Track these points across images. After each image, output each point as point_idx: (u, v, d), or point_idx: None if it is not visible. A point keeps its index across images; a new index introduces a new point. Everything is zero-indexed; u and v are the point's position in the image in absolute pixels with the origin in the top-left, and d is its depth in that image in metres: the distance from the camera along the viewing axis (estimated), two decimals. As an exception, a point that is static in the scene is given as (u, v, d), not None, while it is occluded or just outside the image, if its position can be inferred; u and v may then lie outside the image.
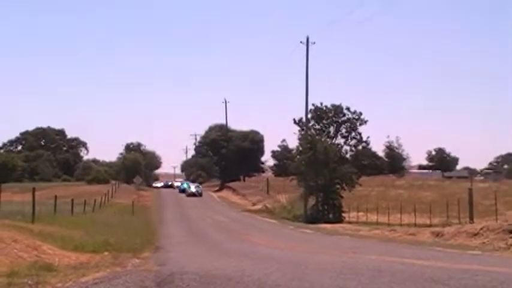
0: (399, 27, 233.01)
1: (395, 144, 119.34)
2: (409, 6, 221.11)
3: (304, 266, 13.43)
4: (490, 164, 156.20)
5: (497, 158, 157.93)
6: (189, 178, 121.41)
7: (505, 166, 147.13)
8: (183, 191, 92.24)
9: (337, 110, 74.35)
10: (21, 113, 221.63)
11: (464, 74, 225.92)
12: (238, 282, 9.44)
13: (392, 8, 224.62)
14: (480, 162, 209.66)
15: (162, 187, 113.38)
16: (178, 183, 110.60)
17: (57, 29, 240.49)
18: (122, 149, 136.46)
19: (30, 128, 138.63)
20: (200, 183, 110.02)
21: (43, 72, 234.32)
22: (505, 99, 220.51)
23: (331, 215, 50.64)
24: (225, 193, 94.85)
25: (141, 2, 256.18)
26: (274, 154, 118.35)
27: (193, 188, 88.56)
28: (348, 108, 76.04)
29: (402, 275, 11.36)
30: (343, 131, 73.36)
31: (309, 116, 62.36)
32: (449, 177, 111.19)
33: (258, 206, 67.66)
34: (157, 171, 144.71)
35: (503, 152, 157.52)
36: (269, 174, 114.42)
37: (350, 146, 72.90)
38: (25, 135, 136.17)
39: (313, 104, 68.22)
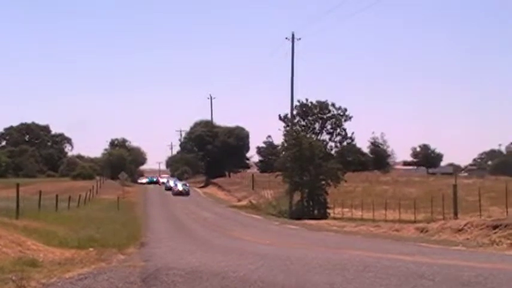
0: (384, 23, 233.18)
1: (380, 141, 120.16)
2: (395, 1, 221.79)
3: (289, 262, 13.44)
4: (474, 160, 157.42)
5: (481, 154, 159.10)
6: (174, 174, 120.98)
7: (489, 162, 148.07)
8: (169, 189, 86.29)
9: (322, 106, 74.56)
10: (5, 108, 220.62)
11: (449, 71, 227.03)
12: (224, 278, 9.43)
13: (377, 4, 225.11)
14: (464, 159, 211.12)
15: (147, 183, 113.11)
16: (164, 180, 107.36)
17: (40, 24, 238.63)
18: (106, 145, 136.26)
19: (15, 123, 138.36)
20: (185, 179, 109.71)
21: (28, 68, 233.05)
22: (489, 96, 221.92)
23: (316, 211, 50.85)
24: (210, 189, 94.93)
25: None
26: (260, 150, 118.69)
27: (180, 186, 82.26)
28: (333, 105, 76.34)
29: (387, 271, 11.39)
30: (328, 127, 73.59)
31: (294, 112, 62.60)
32: (434, 174, 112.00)
33: (243, 202, 67.84)
34: (143, 167, 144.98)
35: (487, 149, 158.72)
36: (254, 170, 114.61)
37: (335, 142, 73.25)
38: (9, 130, 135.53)
39: (298, 100, 68.52)
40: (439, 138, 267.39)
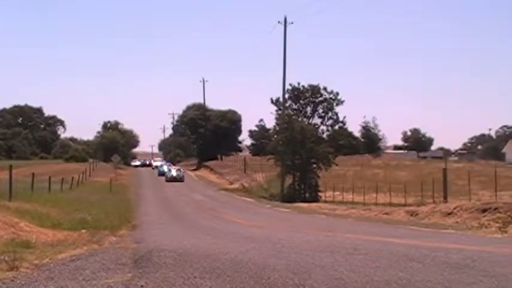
0: (376, 8, 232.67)
1: (372, 125, 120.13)
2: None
3: (280, 245, 13.47)
4: (464, 144, 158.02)
5: (471, 138, 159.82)
6: (167, 157, 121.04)
7: (479, 147, 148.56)
8: (162, 174, 79.34)
9: (314, 90, 74.66)
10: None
11: (440, 56, 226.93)
12: (215, 259, 9.44)
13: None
14: (454, 143, 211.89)
15: (139, 166, 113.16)
16: (158, 163, 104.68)
17: (38, 8, 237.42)
18: (99, 128, 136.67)
19: (8, 105, 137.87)
20: (178, 162, 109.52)
21: (21, 50, 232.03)
22: (479, 81, 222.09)
23: (307, 194, 50.83)
24: (202, 172, 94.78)
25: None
26: (252, 134, 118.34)
27: (174, 172, 76.08)
28: (325, 89, 76.49)
29: (377, 253, 11.43)
30: (320, 111, 73.84)
31: (286, 96, 62.56)
32: (424, 158, 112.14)
33: (235, 185, 67.79)
34: (135, 150, 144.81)
35: (477, 133, 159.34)
36: (246, 153, 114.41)
37: (327, 126, 73.58)
38: (2, 112, 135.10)
39: (290, 84, 68.71)
40: (429, 122, 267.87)
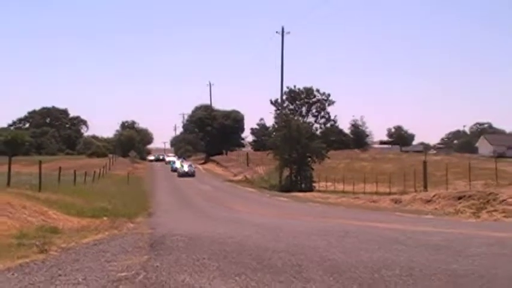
0: (364, 17, 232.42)
1: (360, 123, 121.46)
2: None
3: (279, 230, 13.46)
4: (442, 139, 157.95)
5: (448, 134, 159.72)
6: (178, 152, 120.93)
7: (455, 142, 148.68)
8: (174, 170, 74.24)
9: (309, 92, 74.69)
10: (29, 93, 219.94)
11: (420, 60, 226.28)
12: (222, 243, 9.45)
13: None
14: (433, 138, 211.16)
15: (154, 160, 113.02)
16: (170, 158, 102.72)
17: (62, 17, 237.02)
18: (118, 127, 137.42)
19: (37, 107, 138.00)
20: (188, 156, 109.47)
21: (50, 57, 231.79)
22: (455, 81, 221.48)
23: (303, 185, 50.94)
24: (209, 165, 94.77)
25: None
26: (253, 131, 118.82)
27: (185, 168, 71.11)
28: (318, 90, 76.46)
29: (366, 237, 11.43)
30: (314, 110, 73.88)
31: (284, 97, 62.36)
32: (407, 151, 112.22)
33: (239, 177, 67.82)
34: (150, 146, 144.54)
35: (453, 129, 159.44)
36: (248, 149, 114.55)
37: (320, 124, 73.57)
38: (32, 114, 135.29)
39: (287, 87, 68.67)
40: (411, 120, 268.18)
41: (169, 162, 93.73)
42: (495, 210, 21.84)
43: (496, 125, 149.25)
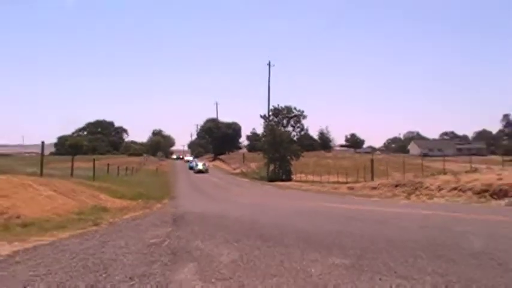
0: (336, 47, 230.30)
1: (325, 131, 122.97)
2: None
3: (266, 208, 13.51)
4: (384, 143, 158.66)
5: (388, 139, 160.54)
6: (193, 153, 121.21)
7: (393, 145, 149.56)
8: (191, 168, 68.22)
9: (288, 109, 74.61)
10: (86, 109, 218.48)
11: (369, 76, 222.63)
12: (224, 218, 9.49)
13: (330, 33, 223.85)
14: (378, 142, 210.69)
15: (176, 159, 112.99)
16: (188, 158, 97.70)
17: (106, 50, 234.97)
18: (149, 133, 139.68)
19: (92, 120, 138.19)
20: (200, 155, 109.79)
21: (102, 79, 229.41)
22: (395, 95, 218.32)
23: (284, 176, 51.00)
24: (216, 162, 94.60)
25: (166, 25, 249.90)
26: (248, 137, 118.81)
27: (200, 166, 65.02)
28: (295, 108, 76.33)
29: (330, 214, 11.48)
30: (292, 122, 73.76)
31: (270, 113, 62.28)
32: (359, 152, 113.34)
33: (237, 171, 67.88)
34: (172, 148, 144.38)
35: (392, 136, 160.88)
36: (244, 150, 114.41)
37: (296, 132, 73.37)
38: (89, 124, 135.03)
39: (273, 105, 68.40)
40: (362, 128, 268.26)
41: (187, 161, 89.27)
42: (421, 194, 21.98)
43: (422, 133, 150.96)
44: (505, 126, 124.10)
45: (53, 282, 3.98)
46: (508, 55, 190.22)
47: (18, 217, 8.14)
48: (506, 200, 16.64)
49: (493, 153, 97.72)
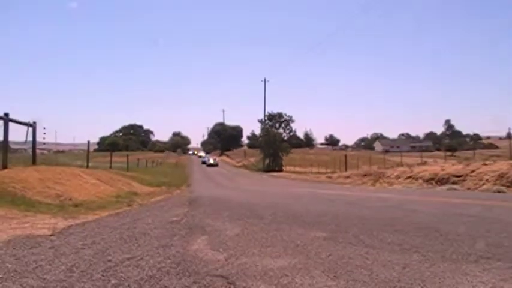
0: (317, 66, 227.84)
1: (309, 132, 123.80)
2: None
3: (264, 193, 13.54)
4: (355, 142, 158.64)
5: (359, 139, 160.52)
6: (205, 149, 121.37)
7: (362, 143, 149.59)
8: (204, 162, 65.69)
9: (280, 115, 74.32)
10: (122, 114, 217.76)
11: (344, 84, 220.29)
12: (229, 201, 9.52)
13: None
14: (350, 141, 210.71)
15: (191, 155, 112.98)
16: (202, 154, 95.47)
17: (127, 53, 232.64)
18: (170, 134, 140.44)
19: (126, 123, 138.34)
20: (211, 151, 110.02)
21: (134, 89, 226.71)
22: (362, 102, 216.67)
23: (276, 168, 51.09)
24: (223, 157, 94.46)
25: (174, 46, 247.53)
26: (248, 137, 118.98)
27: (211, 161, 63.22)
28: (285, 114, 75.97)
29: (312, 197, 11.53)
30: (283, 125, 73.37)
31: (266, 118, 62.23)
32: (335, 149, 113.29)
33: (240, 164, 67.88)
34: (189, 146, 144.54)
35: (361, 136, 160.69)
36: (245, 147, 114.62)
37: (286, 133, 72.90)
38: (123, 127, 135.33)
39: (268, 112, 68.15)
40: (338, 129, 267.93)
41: (200, 156, 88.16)
42: (384, 182, 22.07)
43: (384, 134, 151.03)
44: (446, 129, 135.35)
45: (97, 249, 4.03)
46: (446, 72, 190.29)
47: (70, 199, 8.22)
48: (448, 186, 16.86)
49: (437, 149, 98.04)
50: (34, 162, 11.45)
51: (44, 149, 15.58)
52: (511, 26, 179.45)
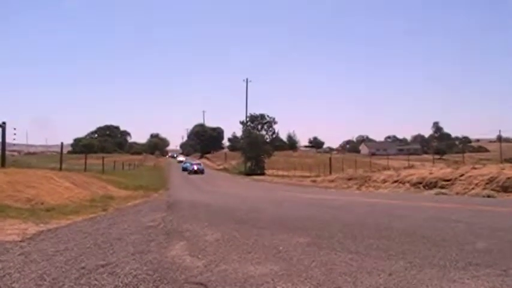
0: (301, 66, 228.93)
1: (292, 134, 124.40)
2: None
3: (245, 197, 13.54)
4: (340, 145, 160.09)
5: (344, 142, 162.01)
6: (184, 152, 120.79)
7: (347, 146, 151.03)
8: (185, 169, 51.23)
9: (262, 116, 74.48)
10: (97, 115, 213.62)
11: (325, 89, 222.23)
12: (209, 206, 9.50)
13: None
14: (335, 144, 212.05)
15: (170, 157, 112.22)
16: (182, 159, 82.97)
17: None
18: (148, 136, 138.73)
19: (101, 124, 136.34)
20: (189, 154, 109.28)
21: (110, 90, 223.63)
22: (349, 107, 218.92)
23: (259, 171, 51.14)
24: (203, 160, 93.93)
25: (169, 42, 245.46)
26: (229, 139, 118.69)
27: (195, 167, 48.67)
28: (268, 115, 76.42)
29: (295, 201, 11.59)
30: (265, 127, 73.61)
31: (248, 119, 62.30)
32: (320, 152, 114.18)
33: (221, 167, 67.69)
34: (167, 148, 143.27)
35: (347, 138, 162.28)
36: (226, 150, 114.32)
37: (269, 135, 73.15)
38: (99, 128, 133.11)
39: (250, 113, 68.35)
40: (321, 132, 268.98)
41: (180, 161, 74.94)
42: (369, 186, 22.35)
43: (370, 136, 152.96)
44: (434, 132, 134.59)
45: (69, 256, 3.97)
46: (434, 73, 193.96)
47: (42, 203, 8.10)
48: (436, 190, 17.10)
49: (425, 152, 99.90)
50: (3, 164, 11.21)
51: (14, 150, 15.28)
52: (498, 26, 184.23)
